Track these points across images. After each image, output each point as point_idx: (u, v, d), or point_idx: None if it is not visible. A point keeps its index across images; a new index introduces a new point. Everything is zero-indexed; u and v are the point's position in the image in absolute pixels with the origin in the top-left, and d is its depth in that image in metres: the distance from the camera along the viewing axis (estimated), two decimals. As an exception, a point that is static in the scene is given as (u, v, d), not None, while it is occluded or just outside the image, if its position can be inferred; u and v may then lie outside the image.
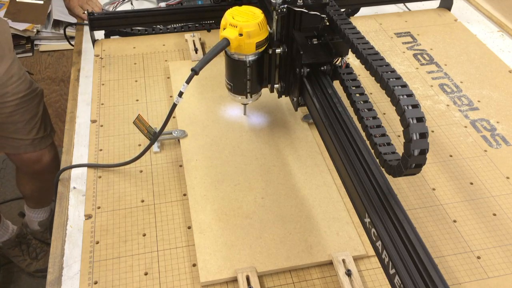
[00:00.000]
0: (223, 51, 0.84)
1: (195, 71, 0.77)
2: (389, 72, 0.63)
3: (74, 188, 0.89)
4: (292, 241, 0.78)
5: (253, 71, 0.87)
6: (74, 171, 0.92)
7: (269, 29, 0.85)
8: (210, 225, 0.80)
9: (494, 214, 0.84)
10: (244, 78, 0.88)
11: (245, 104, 0.99)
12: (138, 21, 1.23)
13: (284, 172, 0.89)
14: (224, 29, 0.82)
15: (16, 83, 1.26)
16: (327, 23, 0.82)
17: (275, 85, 0.92)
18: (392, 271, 0.57)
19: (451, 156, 0.95)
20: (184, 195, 0.86)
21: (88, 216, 0.83)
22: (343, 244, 0.77)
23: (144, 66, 1.16)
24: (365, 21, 1.35)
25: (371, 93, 1.08)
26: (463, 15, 1.42)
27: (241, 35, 0.81)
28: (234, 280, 0.73)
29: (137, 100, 1.06)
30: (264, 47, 0.85)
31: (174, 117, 1.01)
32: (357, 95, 0.79)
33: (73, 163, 0.94)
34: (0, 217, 1.61)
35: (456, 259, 0.77)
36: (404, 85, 0.60)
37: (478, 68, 1.18)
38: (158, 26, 1.28)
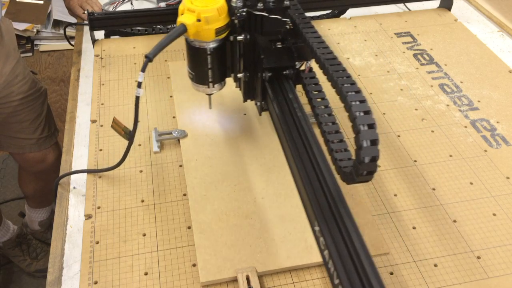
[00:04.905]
0: (185, 38, 0.80)
1: (149, 58, 0.72)
2: (344, 78, 0.62)
3: (74, 188, 0.89)
4: (292, 241, 0.78)
5: (214, 59, 0.82)
6: (74, 171, 0.92)
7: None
8: (210, 225, 0.80)
9: (494, 214, 0.84)
10: (205, 67, 0.83)
11: (209, 95, 0.93)
12: (138, 21, 1.23)
13: (284, 172, 0.89)
14: (182, 14, 0.77)
15: (21, 82, 1.26)
16: (291, 27, 0.79)
17: (238, 75, 0.87)
18: (336, 281, 0.57)
19: (451, 156, 0.95)
20: (184, 195, 0.86)
21: (88, 216, 0.83)
22: (343, 244, 0.77)
23: (144, 66, 1.16)
24: (365, 21, 1.35)
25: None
26: (463, 15, 1.42)
27: (199, 20, 0.76)
28: (234, 280, 0.73)
29: (137, 100, 1.06)
30: (225, 34, 0.80)
31: (174, 117, 1.01)
32: (318, 100, 0.78)
33: (73, 163, 0.94)
34: (2, 217, 1.62)
35: (456, 259, 0.77)
36: (358, 91, 0.59)
37: (478, 68, 1.18)
38: (158, 26, 1.28)
